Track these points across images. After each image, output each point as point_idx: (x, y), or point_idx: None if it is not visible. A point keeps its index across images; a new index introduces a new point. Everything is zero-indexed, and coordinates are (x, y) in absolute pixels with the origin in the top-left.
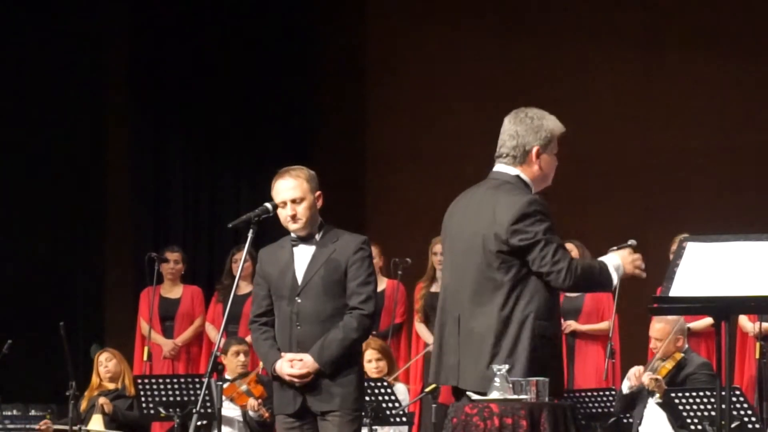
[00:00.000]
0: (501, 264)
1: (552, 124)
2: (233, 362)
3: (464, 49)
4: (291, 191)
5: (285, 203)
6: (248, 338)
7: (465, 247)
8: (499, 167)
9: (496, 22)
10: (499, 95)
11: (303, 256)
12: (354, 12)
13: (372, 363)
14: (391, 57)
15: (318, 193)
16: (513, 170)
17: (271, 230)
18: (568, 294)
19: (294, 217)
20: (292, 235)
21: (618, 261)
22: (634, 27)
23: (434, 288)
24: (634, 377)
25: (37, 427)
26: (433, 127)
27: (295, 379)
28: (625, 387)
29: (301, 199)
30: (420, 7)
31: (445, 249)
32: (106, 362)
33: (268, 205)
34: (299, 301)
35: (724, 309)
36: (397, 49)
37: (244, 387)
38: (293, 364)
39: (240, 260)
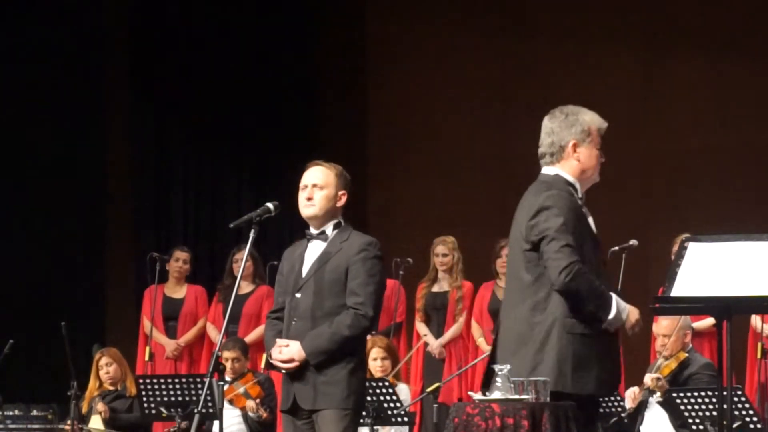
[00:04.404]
0: (527, 263)
1: (589, 117)
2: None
3: (464, 48)
4: (316, 175)
5: (306, 186)
6: (247, 338)
7: (510, 249)
8: (543, 169)
9: (496, 21)
10: (500, 95)
11: (313, 252)
12: (354, 12)
13: (377, 361)
14: (391, 57)
15: (342, 192)
16: (552, 170)
17: (273, 231)
18: None
19: (309, 199)
20: (312, 231)
21: (626, 307)
22: (634, 27)
23: (435, 288)
24: (631, 399)
25: (65, 426)
26: (434, 127)
27: (281, 364)
28: (628, 404)
29: (322, 187)
30: (420, 6)
31: None
32: (106, 367)
33: (269, 205)
34: (298, 296)
35: (726, 309)
36: (397, 49)
37: (241, 389)
38: (281, 350)
39: (241, 260)
